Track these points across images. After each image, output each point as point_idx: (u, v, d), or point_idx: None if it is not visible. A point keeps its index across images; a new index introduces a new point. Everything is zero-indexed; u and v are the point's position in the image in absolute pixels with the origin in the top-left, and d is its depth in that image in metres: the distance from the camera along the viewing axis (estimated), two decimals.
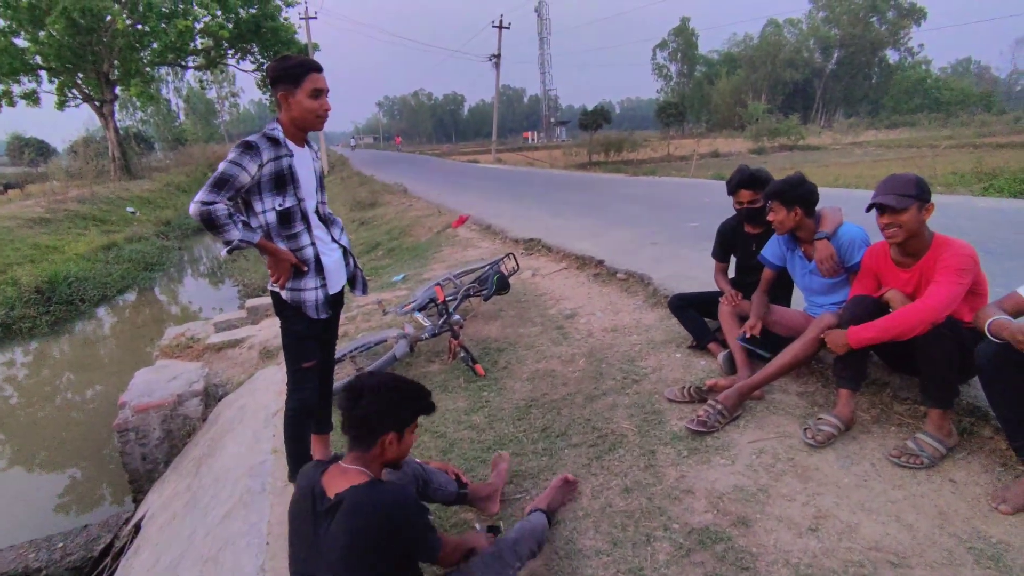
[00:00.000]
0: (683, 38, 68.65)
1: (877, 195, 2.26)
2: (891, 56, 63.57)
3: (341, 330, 4.48)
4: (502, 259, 4.36)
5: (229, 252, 2.14)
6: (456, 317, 3.55)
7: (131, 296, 11.11)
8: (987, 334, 1.96)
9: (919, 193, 2.23)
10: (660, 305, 4.05)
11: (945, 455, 2.20)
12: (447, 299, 3.76)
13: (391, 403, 1.60)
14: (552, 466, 2.51)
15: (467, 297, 3.99)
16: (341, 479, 1.54)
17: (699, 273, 4.39)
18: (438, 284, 3.85)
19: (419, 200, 12.68)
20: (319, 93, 2.16)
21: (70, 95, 22.44)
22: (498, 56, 31.00)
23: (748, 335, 2.88)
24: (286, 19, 24.54)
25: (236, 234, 2.08)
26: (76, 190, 17.71)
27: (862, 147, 30.30)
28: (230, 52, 24.86)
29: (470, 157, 36.35)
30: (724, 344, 3.09)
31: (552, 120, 66.78)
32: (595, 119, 33.40)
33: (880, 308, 2.38)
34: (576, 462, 2.51)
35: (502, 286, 4.00)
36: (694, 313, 3.37)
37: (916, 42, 62.97)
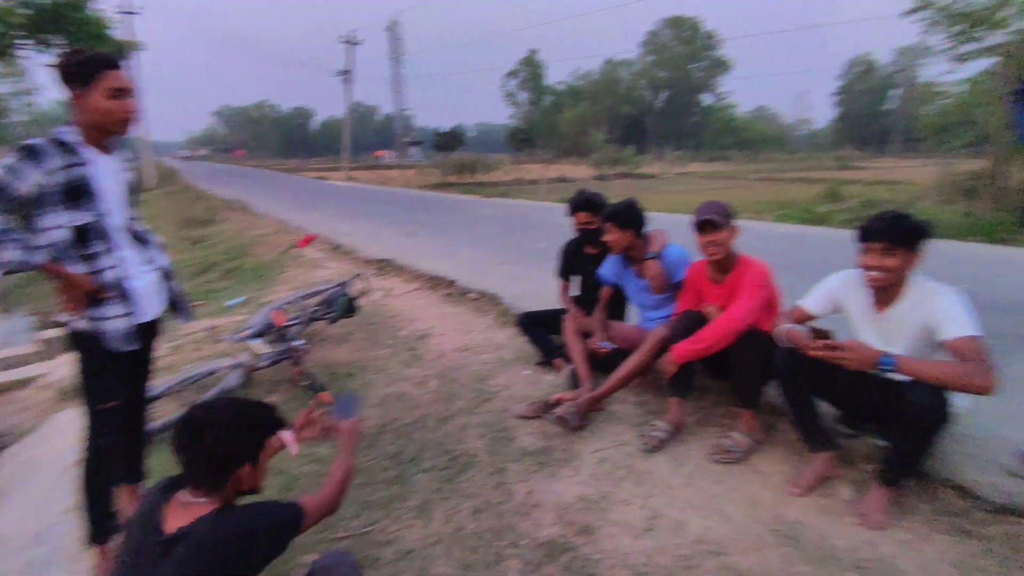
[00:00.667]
0: (531, 69, 72.62)
1: (701, 214, 2.53)
2: (708, 99, 73.06)
3: (165, 362, 3.96)
4: (351, 280, 4.17)
5: (5, 275, 1.78)
6: (298, 343, 3.30)
7: None
8: (779, 341, 2.27)
9: (731, 215, 2.55)
10: (510, 323, 4.14)
11: (754, 449, 2.49)
12: (288, 324, 3.49)
13: (239, 433, 1.39)
14: (404, 494, 2.41)
15: (312, 321, 3.74)
16: (183, 513, 1.33)
17: (547, 291, 4.55)
18: (277, 308, 3.56)
19: (263, 218, 11.78)
20: (119, 93, 1.89)
21: None
22: (348, 72, 30.17)
23: (601, 350, 3.05)
24: (100, 12, 21.60)
25: (11, 255, 1.73)
26: None
27: (689, 177, 34.15)
28: (26, 43, 21.21)
29: (320, 174, 34.75)
30: (569, 359, 3.23)
31: (406, 140, 66.39)
32: (449, 141, 33.86)
33: (703, 321, 2.64)
34: (427, 487, 2.44)
35: (350, 308, 3.81)
36: (541, 330, 3.50)
37: (725, 88, 73.20)
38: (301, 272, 6.52)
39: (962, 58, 11.57)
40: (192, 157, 74.83)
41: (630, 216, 2.92)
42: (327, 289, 4.12)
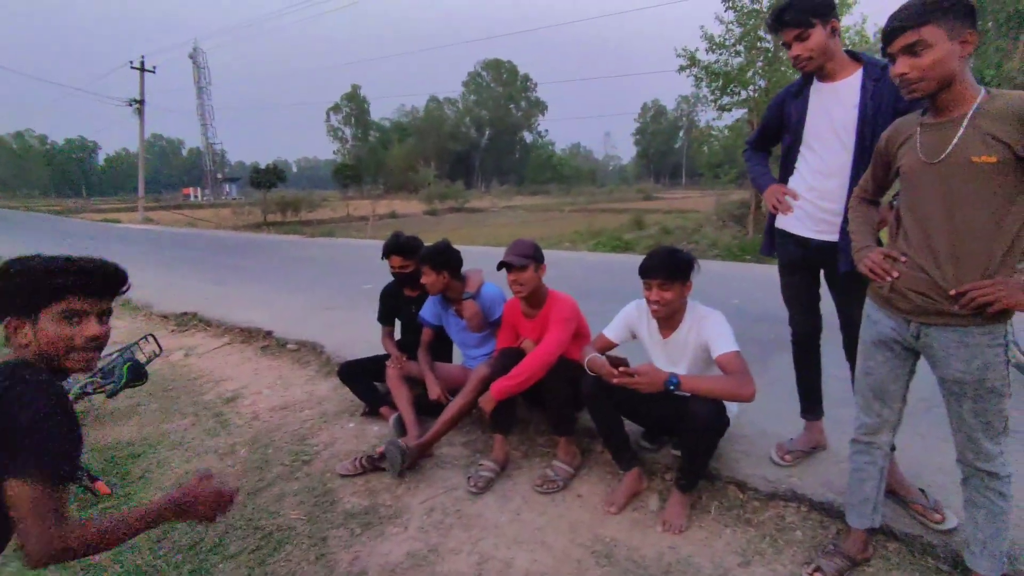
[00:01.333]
0: (355, 103, 71.74)
1: (506, 256, 2.63)
2: (528, 137, 78.46)
3: None
4: (137, 343, 3.62)
5: None
6: None
7: None
8: (586, 369, 2.42)
9: (535, 255, 2.68)
10: (334, 373, 3.91)
11: (574, 475, 2.61)
12: None
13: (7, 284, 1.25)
14: None
15: (82, 397, 3.15)
16: None
17: (373, 336, 4.40)
18: None
19: None
20: None
21: None
22: (141, 101, 26.94)
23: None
24: None
25: None
26: None
27: (513, 210, 36.07)
28: None
29: (108, 215, 30.28)
30: (395, 406, 3.12)
31: (219, 176, 60.95)
32: (269, 177, 31.62)
33: (521, 357, 2.72)
34: (234, 575, 2.15)
35: (136, 376, 3.29)
36: (365, 379, 3.35)
37: (543, 127, 79.41)
38: None
39: (723, 108, 13.90)
40: None
41: (445, 258, 2.94)
42: (105, 356, 3.52)
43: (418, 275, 3.06)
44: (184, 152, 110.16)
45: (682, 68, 14.30)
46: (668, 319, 2.37)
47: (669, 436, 2.66)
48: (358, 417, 3.32)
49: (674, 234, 13.95)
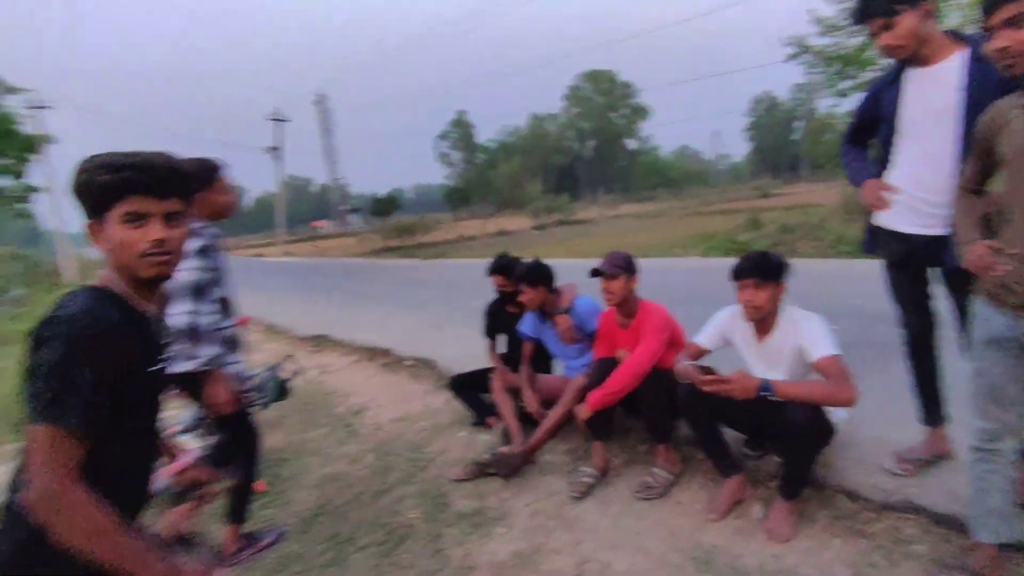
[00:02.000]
0: (461, 129, 75.00)
1: (600, 265, 2.75)
2: (631, 144, 77.22)
3: None
4: (281, 363, 4.16)
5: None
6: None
7: None
8: (680, 378, 2.46)
9: (626, 266, 2.77)
10: (446, 386, 4.21)
11: (674, 482, 2.64)
12: None
13: (78, 182, 1.12)
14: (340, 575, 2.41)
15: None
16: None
17: (481, 350, 4.68)
18: None
19: None
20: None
21: None
22: (277, 148, 30.29)
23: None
24: (6, 108, 20.97)
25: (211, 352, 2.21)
26: None
27: (622, 219, 35.58)
28: None
29: (256, 251, 34.21)
30: (501, 416, 3.32)
31: (344, 208, 66.50)
32: (387, 205, 34.26)
33: (615, 366, 2.81)
34: (365, 565, 2.45)
35: (281, 392, 3.79)
36: (473, 391, 3.60)
37: (647, 133, 77.79)
38: None
39: (841, 93, 12.88)
40: None
41: (538, 275, 3.11)
42: (257, 375, 4.10)
43: (518, 293, 3.26)
44: (313, 188, 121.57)
45: (791, 56, 13.48)
46: (762, 322, 2.35)
47: (772, 442, 2.60)
48: (468, 427, 3.56)
49: (795, 231, 13.00)
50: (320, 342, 6.31)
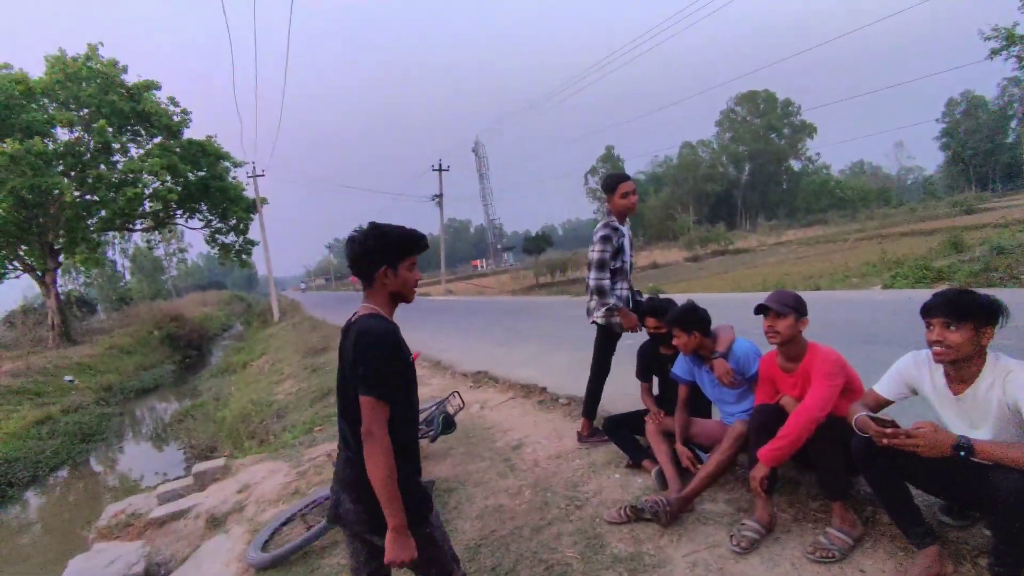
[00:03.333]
0: (610, 163, 75.38)
1: (767, 301, 2.66)
2: (795, 165, 71.36)
3: (291, 487, 4.45)
4: (447, 398, 4.55)
5: (608, 312, 3.79)
6: None
7: (65, 472, 10.42)
8: (855, 429, 2.27)
9: (797, 307, 2.65)
10: (601, 426, 4.26)
11: (853, 546, 2.40)
12: None
13: (376, 241, 1.86)
14: None
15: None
16: (360, 311, 1.91)
17: (634, 389, 4.67)
18: None
19: None
20: (630, 195, 3.78)
21: (10, 267, 22.02)
22: (440, 196, 33.10)
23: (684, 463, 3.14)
24: (234, 178, 25.74)
25: (613, 300, 3.73)
26: (10, 363, 17.02)
27: (786, 246, 32.88)
28: (178, 212, 25.46)
29: (422, 290, 37.26)
30: (656, 459, 3.29)
31: (499, 247, 70.06)
32: (538, 243, 35.51)
33: (780, 413, 2.67)
34: None
35: (448, 425, 4.15)
36: (627, 432, 3.61)
37: (813, 151, 71.39)
38: None
39: None
40: (309, 288, 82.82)
41: (692, 319, 3.08)
42: (425, 408, 4.52)
43: (671, 336, 3.24)
44: (472, 230, 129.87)
45: (995, 52, 11.72)
46: (958, 370, 2.09)
47: (979, 511, 2.26)
48: (623, 468, 3.57)
49: (1012, 254, 10.82)
50: (480, 378, 6.72)
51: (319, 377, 9.96)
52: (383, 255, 1.86)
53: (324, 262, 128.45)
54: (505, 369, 6.73)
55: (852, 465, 2.47)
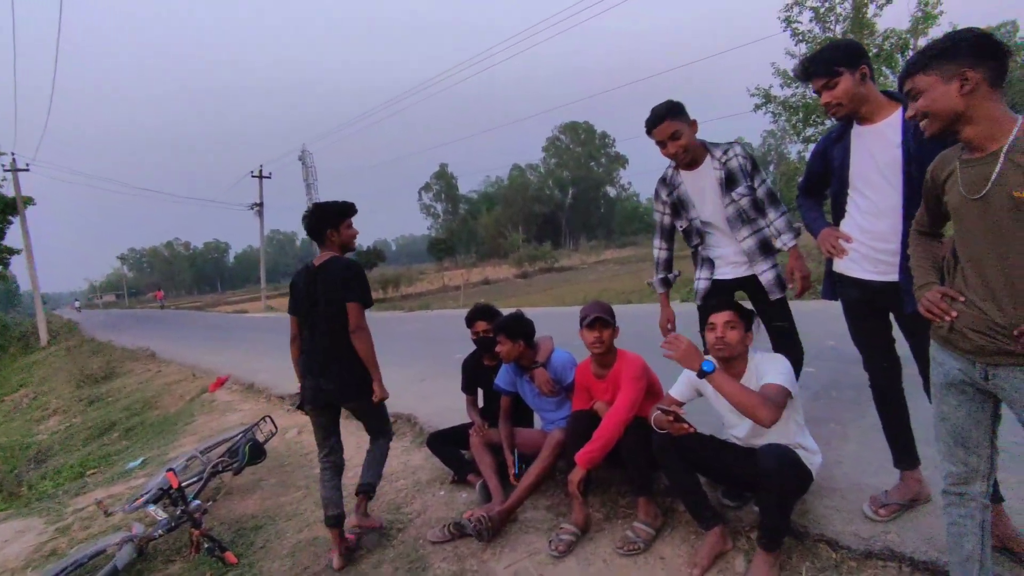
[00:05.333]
0: (444, 181, 76.48)
1: (592, 313, 2.78)
2: (611, 191, 79.15)
3: (49, 546, 3.63)
4: (257, 424, 4.08)
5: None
6: (196, 503, 3.15)
7: None
8: (654, 427, 2.46)
9: (612, 316, 2.82)
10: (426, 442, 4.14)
11: (655, 535, 2.59)
12: (183, 484, 3.33)
13: (319, 213, 2.94)
14: None
15: (214, 475, 3.59)
16: (322, 257, 2.95)
17: (459, 404, 4.64)
18: (170, 470, 3.38)
19: (170, 364, 11.24)
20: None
21: None
22: (260, 204, 30.48)
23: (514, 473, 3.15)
24: None
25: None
26: None
27: (603, 264, 36.08)
28: None
29: (237, 307, 33.90)
30: (480, 473, 3.27)
31: None
32: (371, 257, 34.41)
33: (594, 419, 2.80)
34: None
35: (256, 454, 3.71)
36: (451, 448, 3.54)
37: (626, 180, 79.92)
38: (212, 419, 6.24)
39: (809, 140, 13.46)
40: (88, 305, 71.24)
41: (518, 328, 3.13)
42: (231, 437, 4.00)
43: (495, 342, 3.27)
44: (298, 243, 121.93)
45: (757, 107, 14.12)
46: (730, 367, 2.38)
47: (751, 492, 2.58)
48: (448, 484, 3.49)
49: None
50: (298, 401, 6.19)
51: (98, 410, 8.41)
52: (326, 222, 2.90)
53: (115, 275, 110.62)
54: None
55: (654, 461, 2.69)
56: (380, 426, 3.15)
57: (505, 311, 3.69)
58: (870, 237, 2.17)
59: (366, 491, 3.04)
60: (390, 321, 14.23)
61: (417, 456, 4.02)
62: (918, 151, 2.01)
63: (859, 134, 2.18)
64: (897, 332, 2.27)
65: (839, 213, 2.31)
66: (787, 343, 2.76)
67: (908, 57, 1.65)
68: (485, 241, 67.27)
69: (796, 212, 2.73)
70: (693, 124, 2.69)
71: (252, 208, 30.68)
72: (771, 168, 73.20)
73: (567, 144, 77.01)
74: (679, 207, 2.89)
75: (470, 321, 3.56)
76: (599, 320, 2.77)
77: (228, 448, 3.87)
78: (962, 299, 1.62)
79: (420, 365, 7.00)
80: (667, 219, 2.99)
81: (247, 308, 31.21)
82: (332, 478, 2.97)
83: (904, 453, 2.31)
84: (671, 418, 2.25)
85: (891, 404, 2.32)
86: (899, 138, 2.06)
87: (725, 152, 2.71)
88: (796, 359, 2.69)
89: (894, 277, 2.11)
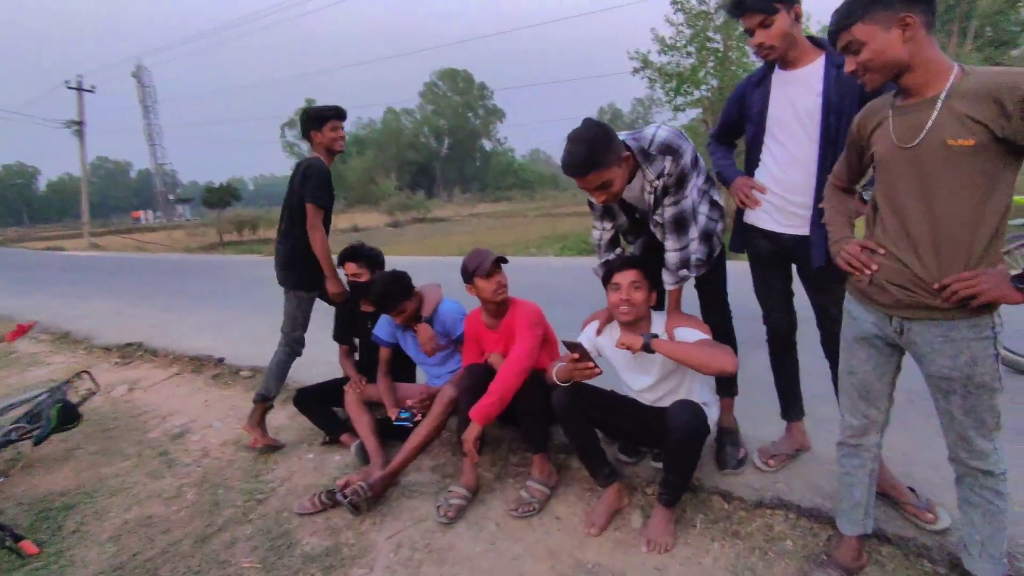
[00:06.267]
0: None
1: (488, 257, 2.50)
2: (487, 145, 78.46)
3: None
4: (68, 381, 3.32)
5: None
6: None
7: None
8: (555, 380, 2.28)
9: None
10: (291, 400, 3.67)
11: (551, 495, 2.46)
12: None
13: (304, 117, 3.04)
14: None
15: (6, 444, 2.85)
16: (309, 158, 3.08)
17: (335, 356, 4.19)
18: None
19: None
20: None
21: None
22: (80, 123, 25.76)
23: (395, 418, 2.82)
24: None
25: None
26: None
27: (477, 218, 35.81)
28: None
29: (52, 243, 28.89)
30: (357, 433, 2.92)
31: (170, 197, 59.03)
32: (222, 196, 30.83)
33: (489, 372, 2.54)
34: None
35: (68, 418, 3.01)
36: (323, 406, 3.14)
37: (502, 135, 79.58)
38: (9, 374, 5.10)
39: (678, 108, 14.07)
40: None
41: (397, 291, 2.77)
42: (33, 397, 3.21)
43: (368, 287, 2.90)
44: (133, 174, 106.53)
45: (636, 71, 14.44)
46: (634, 327, 2.25)
47: (647, 447, 2.54)
48: (317, 447, 3.10)
49: None
50: (131, 352, 5.26)
51: None
52: (310, 123, 3.02)
53: None
54: (171, 339, 5.43)
55: (551, 416, 2.53)
56: (289, 329, 3.20)
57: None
58: (783, 188, 2.11)
59: (256, 400, 3.11)
60: (246, 265, 12.87)
61: (280, 415, 3.54)
62: (838, 101, 1.95)
63: (780, 80, 2.08)
64: (796, 287, 2.27)
65: (753, 162, 2.22)
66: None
67: (837, 7, 1.51)
68: (355, 187, 63.68)
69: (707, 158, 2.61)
70: (626, 160, 2.01)
71: (69, 127, 25.85)
72: None
73: (445, 91, 74.47)
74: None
75: (340, 261, 3.12)
76: (500, 262, 2.51)
77: (28, 411, 3.10)
78: (882, 252, 1.58)
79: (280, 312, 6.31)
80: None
81: (64, 245, 26.72)
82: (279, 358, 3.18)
83: (792, 405, 2.37)
84: (576, 356, 2.07)
85: (785, 358, 2.35)
86: (820, 86, 1.99)
87: (659, 174, 2.07)
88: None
89: (804, 231, 2.08)
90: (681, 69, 13.30)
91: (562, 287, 6.86)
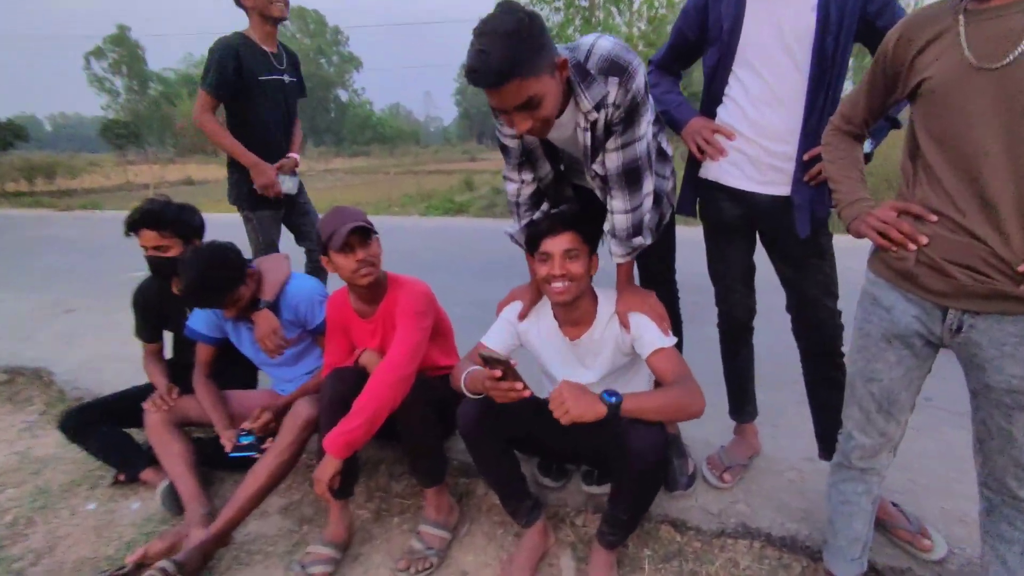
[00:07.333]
0: (126, 49, 59.99)
1: (347, 224, 1.70)
2: (342, 95, 72.89)
3: None
4: None
5: None
6: None
7: None
8: (466, 392, 1.62)
9: (371, 226, 1.79)
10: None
11: (451, 539, 1.83)
12: None
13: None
14: None
15: None
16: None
17: (136, 351, 3.12)
18: None
19: None
20: None
21: None
22: None
23: (230, 448, 1.96)
24: None
25: None
26: None
27: (333, 173, 33.11)
28: None
29: None
30: (163, 468, 2.02)
31: None
32: (6, 135, 25.03)
33: (360, 377, 1.79)
34: None
35: None
36: (112, 429, 2.17)
37: (359, 85, 74.42)
38: None
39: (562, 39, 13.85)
40: None
41: (221, 275, 1.90)
42: None
43: (176, 264, 1.98)
44: None
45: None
46: (570, 312, 1.67)
47: (574, 465, 2.00)
48: (104, 489, 2.15)
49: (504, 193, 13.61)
50: None
51: None
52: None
53: None
54: None
55: (445, 430, 1.89)
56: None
57: (210, 216, 2.36)
58: (758, 133, 1.60)
59: None
60: (29, 222, 10.24)
61: (48, 441, 2.49)
62: (837, 18, 1.47)
63: None
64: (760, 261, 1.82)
65: (715, 98, 1.69)
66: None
67: None
68: (187, 133, 55.73)
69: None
70: (560, 69, 1.34)
71: None
72: None
73: (293, 33, 67.30)
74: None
75: (133, 228, 2.12)
76: (360, 232, 1.75)
77: None
78: (934, 219, 1.13)
79: (69, 287, 4.86)
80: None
81: None
82: None
83: (748, 404, 1.96)
84: (498, 374, 1.42)
85: (740, 350, 1.91)
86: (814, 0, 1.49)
87: (599, 103, 1.42)
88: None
89: (785, 190, 1.61)
90: (550, 25, 12.89)
91: (435, 250, 6.14)
